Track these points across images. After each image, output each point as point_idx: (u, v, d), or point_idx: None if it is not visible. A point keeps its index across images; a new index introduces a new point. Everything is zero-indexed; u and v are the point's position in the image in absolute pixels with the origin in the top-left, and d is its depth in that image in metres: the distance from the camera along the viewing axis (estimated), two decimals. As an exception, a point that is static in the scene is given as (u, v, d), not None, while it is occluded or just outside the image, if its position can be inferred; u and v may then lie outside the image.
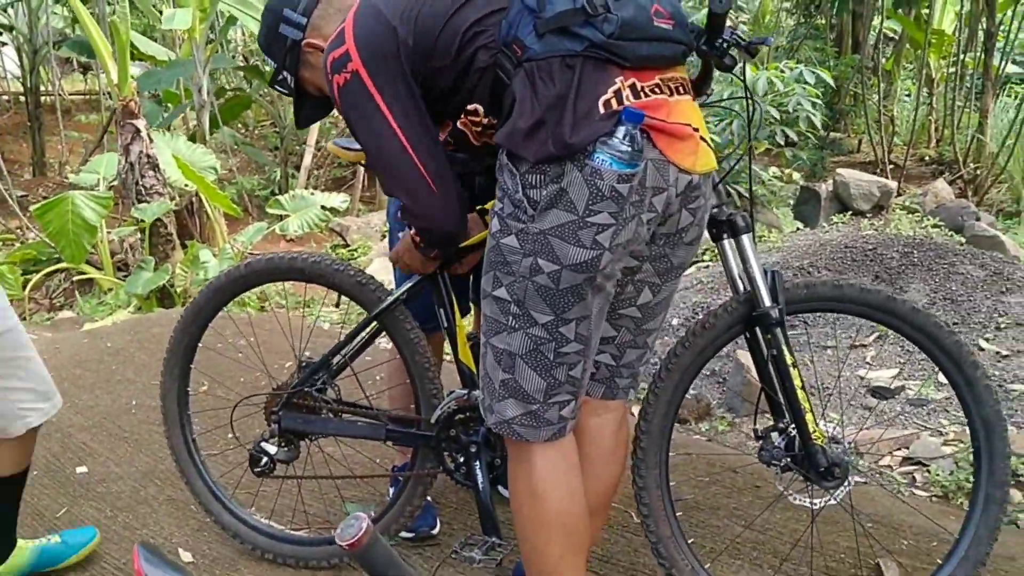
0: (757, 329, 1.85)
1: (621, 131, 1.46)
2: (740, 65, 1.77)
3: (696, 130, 1.60)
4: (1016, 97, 9.36)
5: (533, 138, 1.48)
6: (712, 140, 5.60)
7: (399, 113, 1.66)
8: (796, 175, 7.52)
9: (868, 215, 6.79)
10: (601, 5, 1.47)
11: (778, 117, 5.66)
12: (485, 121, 1.74)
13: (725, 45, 1.69)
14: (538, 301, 1.56)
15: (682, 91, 1.61)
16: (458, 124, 1.77)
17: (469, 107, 1.72)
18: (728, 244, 1.87)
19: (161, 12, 9.45)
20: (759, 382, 1.89)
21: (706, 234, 1.82)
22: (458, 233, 1.85)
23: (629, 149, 1.46)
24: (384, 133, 1.67)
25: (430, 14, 1.64)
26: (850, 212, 6.88)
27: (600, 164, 1.46)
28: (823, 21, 10.05)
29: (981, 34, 8.82)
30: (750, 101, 1.95)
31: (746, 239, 1.82)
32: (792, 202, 6.95)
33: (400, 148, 1.68)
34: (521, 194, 1.53)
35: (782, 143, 5.95)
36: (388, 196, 1.96)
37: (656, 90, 1.54)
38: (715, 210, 1.84)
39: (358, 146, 2.11)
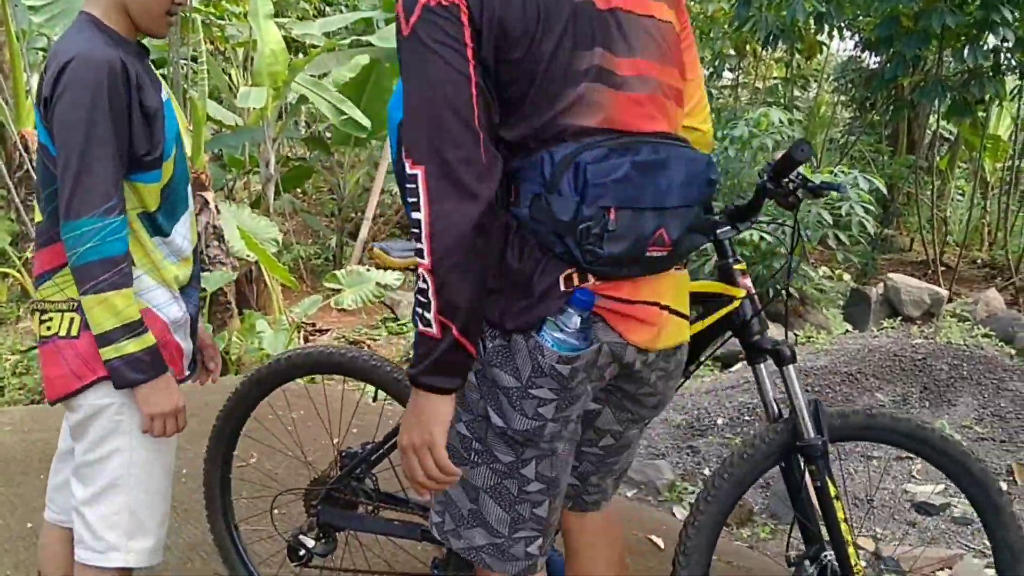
0: (796, 458, 1.87)
1: (566, 316, 1.38)
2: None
3: (666, 307, 1.51)
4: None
5: (489, 298, 1.39)
6: (762, 240, 5.66)
7: (478, 61, 1.34)
8: (846, 275, 7.52)
9: (918, 321, 6.76)
10: (596, 236, 1.33)
11: (830, 221, 5.71)
12: None
13: (791, 186, 1.70)
14: (497, 442, 1.49)
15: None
16: None
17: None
18: (763, 368, 1.90)
19: (229, 75, 9.78)
20: (793, 509, 1.91)
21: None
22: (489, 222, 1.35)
23: (571, 337, 1.38)
24: (451, 76, 1.32)
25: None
26: (900, 318, 6.86)
27: (542, 341, 1.39)
28: (878, 118, 10.11)
29: (1038, 141, 8.82)
30: (797, 235, 1.91)
31: (791, 369, 1.84)
32: (842, 303, 6.95)
33: (466, 98, 1.32)
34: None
35: (833, 246, 5.98)
36: (409, 169, 1.36)
37: None
38: (757, 337, 1.87)
39: (401, 252, 2.15)
